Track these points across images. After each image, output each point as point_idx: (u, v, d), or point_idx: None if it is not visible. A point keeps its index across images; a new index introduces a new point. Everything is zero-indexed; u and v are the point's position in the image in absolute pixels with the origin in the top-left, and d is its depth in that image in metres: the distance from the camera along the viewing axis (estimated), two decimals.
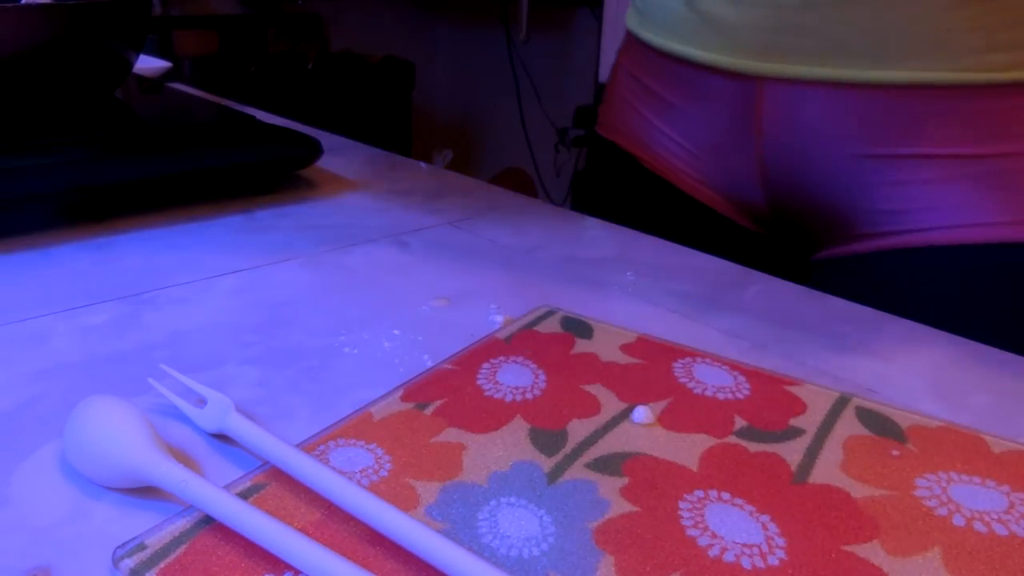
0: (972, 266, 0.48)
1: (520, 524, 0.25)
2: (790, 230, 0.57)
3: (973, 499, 0.26)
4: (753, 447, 0.29)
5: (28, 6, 0.52)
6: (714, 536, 0.24)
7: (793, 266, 0.56)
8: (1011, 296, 0.47)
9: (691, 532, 0.24)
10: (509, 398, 0.31)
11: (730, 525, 0.25)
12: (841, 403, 0.31)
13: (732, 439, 0.29)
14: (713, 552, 0.24)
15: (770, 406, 0.31)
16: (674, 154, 0.59)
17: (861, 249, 0.52)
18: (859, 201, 0.51)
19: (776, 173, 0.53)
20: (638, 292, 0.42)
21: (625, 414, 0.30)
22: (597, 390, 0.32)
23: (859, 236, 0.52)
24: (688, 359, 0.35)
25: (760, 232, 0.59)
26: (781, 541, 0.24)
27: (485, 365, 0.34)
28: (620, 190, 0.63)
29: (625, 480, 0.27)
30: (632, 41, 0.61)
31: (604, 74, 1.94)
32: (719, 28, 0.50)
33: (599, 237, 0.51)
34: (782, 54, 0.48)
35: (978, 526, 0.25)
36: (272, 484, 0.26)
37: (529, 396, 0.32)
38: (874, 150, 0.49)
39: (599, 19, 2.00)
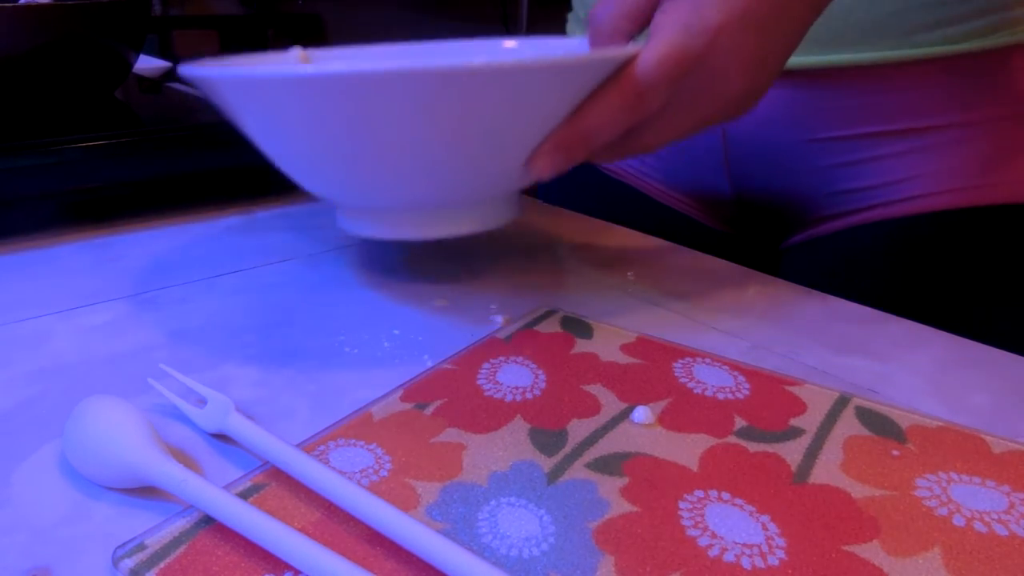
0: (929, 235, 0.50)
1: (520, 524, 0.25)
2: (758, 221, 0.58)
3: (973, 499, 0.26)
4: (753, 447, 0.29)
5: (28, 6, 0.52)
6: (714, 536, 0.24)
7: (762, 260, 0.58)
8: (955, 262, 0.50)
9: (691, 532, 0.24)
10: (509, 398, 0.31)
11: (730, 525, 0.25)
12: (841, 403, 0.31)
13: (732, 439, 0.29)
14: (713, 552, 0.24)
15: (770, 406, 0.31)
16: (640, 159, 0.60)
17: (824, 231, 0.54)
18: (820, 184, 0.53)
19: (740, 164, 0.55)
20: (638, 292, 0.42)
21: (625, 414, 0.30)
22: (597, 390, 0.32)
23: (823, 219, 0.54)
24: (688, 359, 0.35)
25: (726, 231, 0.60)
26: (781, 541, 0.24)
27: (485, 365, 0.34)
28: (579, 196, 0.64)
29: (625, 480, 0.27)
30: None
31: None
32: None
33: (599, 237, 0.51)
34: None
35: (978, 526, 0.25)
36: (272, 484, 0.26)
37: (529, 396, 0.32)
38: (828, 133, 0.51)
39: None
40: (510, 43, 0.49)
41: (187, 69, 0.35)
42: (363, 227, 0.40)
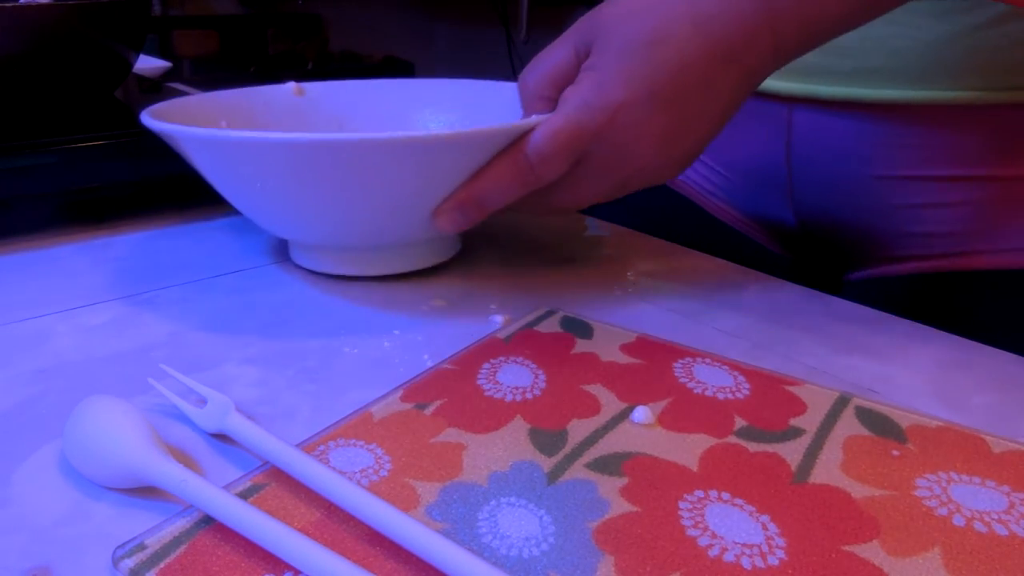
0: (1002, 295, 0.46)
1: (520, 524, 0.25)
2: (820, 251, 0.56)
3: (973, 499, 0.26)
4: (753, 447, 0.29)
5: (28, 6, 0.52)
6: (714, 536, 0.24)
7: (822, 289, 0.56)
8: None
9: (691, 532, 0.24)
10: (509, 398, 0.31)
11: (730, 525, 0.25)
12: (841, 403, 0.31)
13: (732, 439, 0.29)
14: (713, 552, 0.24)
15: (770, 406, 0.31)
16: (703, 175, 0.58)
17: (890, 272, 0.51)
18: (887, 224, 0.50)
19: (806, 194, 0.53)
20: (638, 292, 0.42)
21: (625, 414, 0.30)
22: (597, 390, 0.32)
23: (893, 258, 0.51)
24: (688, 359, 0.35)
25: (788, 256, 0.58)
26: (781, 541, 0.24)
27: (485, 365, 0.34)
28: (643, 210, 0.63)
29: (625, 480, 0.27)
30: None
31: None
32: None
33: (599, 237, 0.51)
34: (814, 75, 0.48)
35: (978, 526, 0.25)
36: (272, 484, 0.26)
37: (529, 396, 0.32)
38: (899, 171, 0.48)
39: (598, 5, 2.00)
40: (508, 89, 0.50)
41: (149, 121, 0.40)
42: (305, 260, 0.44)
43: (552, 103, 0.40)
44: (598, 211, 0.65)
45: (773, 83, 0.50)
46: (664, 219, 0.62)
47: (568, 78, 0.39)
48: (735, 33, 0.36)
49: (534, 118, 0.38)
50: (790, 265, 0.58)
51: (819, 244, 0.56)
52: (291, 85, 0.52)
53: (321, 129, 0.52)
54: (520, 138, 0.38)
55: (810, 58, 0.44)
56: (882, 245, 0.51)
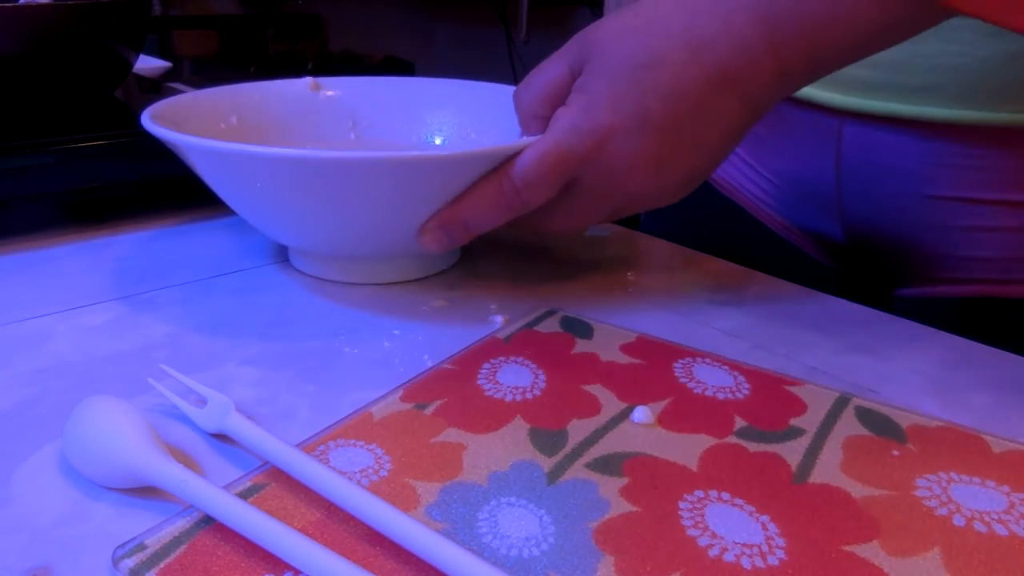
0: None
1: (520, 524, 0.25)
2: (869, 265, 0.54)
3: (973, 499, 0.26)
4: (753, 447, 0.29)
5: (28, 6, 0.52)
6: (714, 536, 0.24)
7: (872, 302, 0.53)
8: None
9: (691, 532, 0.24)
10: (509, 398, 0.31)
11: (730, 525, 0.25)
12: (841, 403, 0.31)
13: (732, 439, 0.29)
14: (713, 552, 0.24)
15: (770, 406, 0.31)
16: (752, 181, 0.57)
17: (939, 293, 0.49)
18: (937, 244, 0.48)
19: (854, 209, 0.51)
20: (638, 292, 0.42)
21: (625, 414, 0.30)
22: (597, 390, 0.32)
23: (942, 279, 0.49)
24: (688, 359, 0.35)
25: (838, 268, 0.56)
26: (781, 541, 0.24)
27: (485, 365, 0.34)
28: (688, 211, 0.60)
29: (625, 480, 0.27)
30: None
31: None
32: None
33: (599, 237, 0.51)
34: (865, 89, 0.46)
35: (978, 526, 0.25)
36: (272, 484, 0.26)
37: (529, 396, 0.32)
38: (951, 192, 0.46)
39: (599, 19, 2.01)
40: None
41: (149, 124, 0.39)
42: (304, 266, 0.44)
43: (545, 122, 0.39)
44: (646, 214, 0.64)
45: (822, 95, 0.48)
46: (713, 225, 0.60)
47: (561, 96, 0.38)
48: (734, 59, 0.35)
49: (522, 140, 0.38)
50: (840, 278, 0.56)
51: (868, 258, 0.54)
52: (307, 80, 0.52)
53: (333, 127, 0.52)
54: (506, 161, 0.37)
55: (860, 72, 0.43)
56: (931, 265, 0.49)
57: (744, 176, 0.58)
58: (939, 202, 0.47)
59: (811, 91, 0.48)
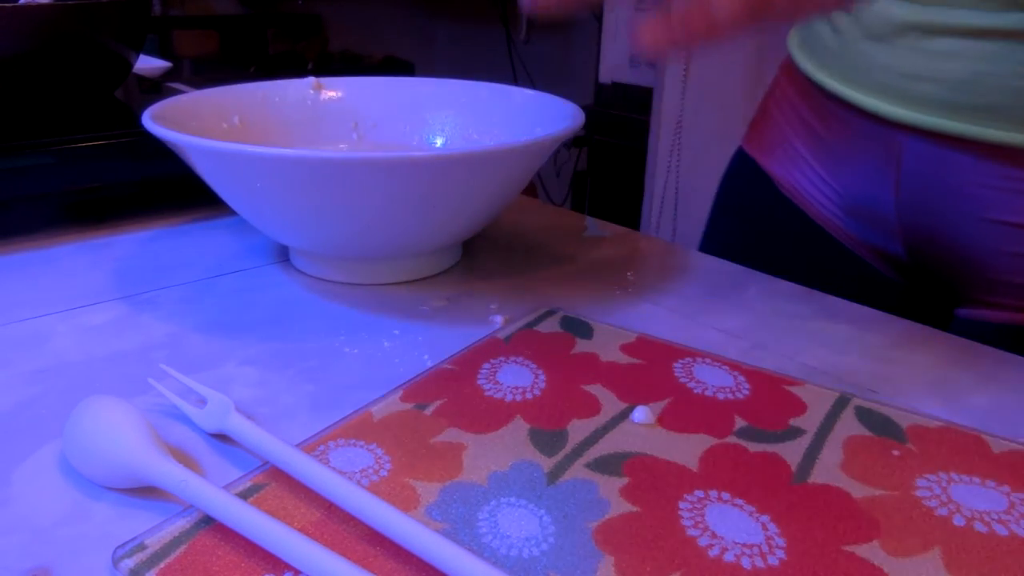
0: None
1: (520, 524, 0.25)
2: (931, 282, 0.53)
3: (973, 499, 0.26)
4: (753, 447, 0.29)
5: (28, 6, 0.52)
6: (714, 536, 0.24)
7: (933, 317, 0.52)
8: None
9: (691, 532, 0.24)
10: (509, 398, 0.31)
11: (730, 525, 0.25)
12: (841, 403, 0.31)
13: (732, 439, 0.29)
14: (713, 552, 0.24)
15: (770, 406, 0.31)
16: (816, 186, 0.56)
17: (995, 318, 0.49)
18: (991, 269, 0.48)
19: (913, 226, 0.50)
20: (638, 292, 0.42)
21: (625, 414, 0.30)
22: (597, 390, 0.32)
23: (996, 305, 0.48)
24: (688, 359, 0.35)
25: (897, 280, 0.55)
26: (781, 541, 0.24)
27: (485, 365, 0.34)
28: (753, 210, 0.60)
29: (625, 480, 0.27)
30: (791, 62, 0.57)
31: (604, 74, 1.93)
32: (866, 69, 0.48)
33: (599, 237, 0.51)
34: (927, 105, 0.45)
35: (978, 526, 0.25)
36: (272, 484, 0.26)
37: (529, 396, 0.32)
38: (1004, 216, 0.46)
39: (599, 19, 2.00)
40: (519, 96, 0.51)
41: (150, 124, 0.39)
42: (305, 266, 0.44)
43: None
44: (715, 213, 0.62)
45: (886, 107, 0.47)
46: (776, 227, 0.59)
47: None
48: None
49: (522, 140, 0.38)
50: (902, 292, 0.55)
51: (929, 276, 0.53)
52: (310, 80, 0.52)
53: (336, 127, 0.52)
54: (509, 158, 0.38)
55: (925, 87, 0.42)
56: (988, 289, 0.49)
57: (808, 180, 0.56)
58: (997, 226, 0.46)
59: (876, 103, 0.48)
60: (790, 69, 0.58)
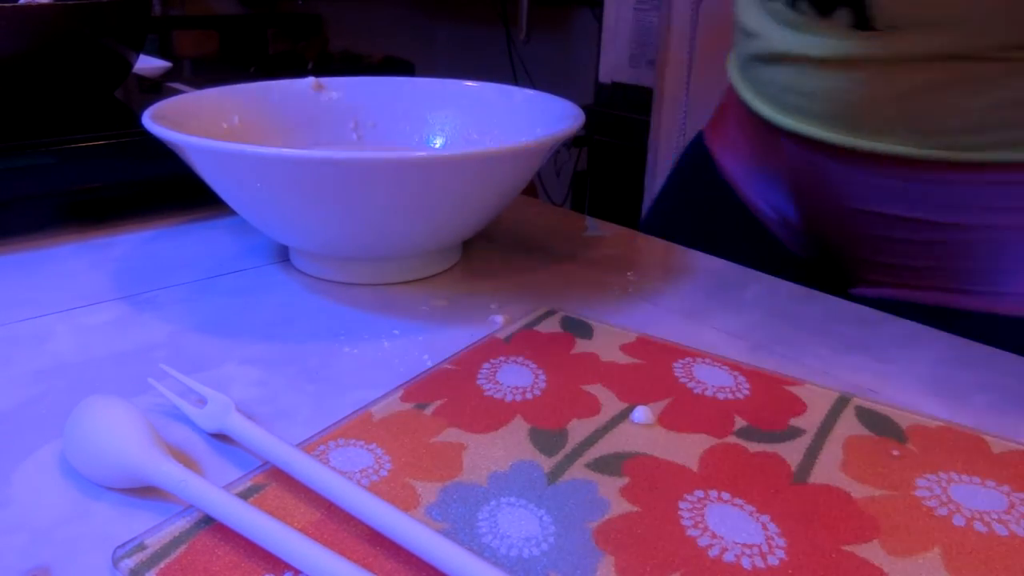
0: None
1: (520, 524, 0.25)
2: (829, 261, 0.58)
3: (973, 499, 0.26)
4: (753, 447, 0.29)
5: (28, 6, 0.52)
6: (714, 536, 0.24)
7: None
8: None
9: (691, 532, 0.24)
10: (509, 398, 0.31)
11: (730, 525, 0.25)
12: (841, 403, 0.31)
13: (732, 439, 0.29)
14: (713, 552, 0.24)
15: (770, 406, 0.31)
16: (748, 174, 0.61)
17: (871, 294, 0.53)
18: (872, 252, 0.53)
19: (807, 214, 0.56)
20: (638, 292, 0.42)
21: (625, 414, 0.30)
22: (597, 390, 0.32)
23: (883, 283, 0.54)
24: (688, 359, 0.35)
25: (803, 257, 0.60)
26: (781, 541, 0.24)
27: (485, 365, 0.34)
28: (699, 196, 0.66)
29: (625, 480, 0.27)
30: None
31: (604, 74, 1.93)
32: (764, 83, 0.55)
33: (599, 237, 0.51)
34: (799, 113, 0.52)
35: (978, 526, 0.25)
36: (272, 484, 0.26)
37: (529, 396, 0.32)
38: (875, 207, 0.51)
39: (599, 19, 2.00)
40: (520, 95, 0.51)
41: (150, 124, 0.39)
42: (305, 266, 0.44)
43: None
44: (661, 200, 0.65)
45: (768, 112, 0.54)
46: (705, 205, 0.64)
47: None
48: None
49: (522, 140, 0.38)
50: (804, 265, 0.59)
51: (826, 255, 0.58)
52: (310, 80, 0.52)
53: (336, 127, 0.52)
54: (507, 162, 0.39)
55: (794, 99, 0.52)
56: (869, 269, 0.54)
57: (738, 164, 0.62)
58: (862, 214, 0.52)
59: (759, 105, 0.55)
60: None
